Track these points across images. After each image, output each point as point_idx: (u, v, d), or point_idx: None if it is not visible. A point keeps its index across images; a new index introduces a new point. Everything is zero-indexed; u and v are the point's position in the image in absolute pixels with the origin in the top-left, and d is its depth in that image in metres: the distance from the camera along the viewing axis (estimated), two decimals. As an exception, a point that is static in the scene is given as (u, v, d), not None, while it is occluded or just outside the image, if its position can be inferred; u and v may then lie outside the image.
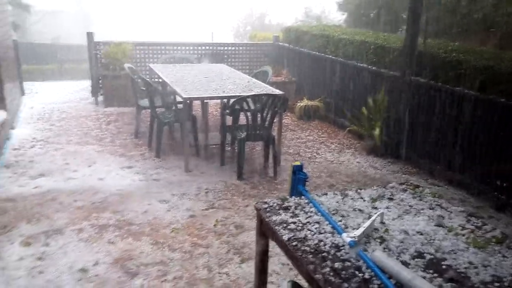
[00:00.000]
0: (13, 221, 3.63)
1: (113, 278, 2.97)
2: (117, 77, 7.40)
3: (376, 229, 1.88)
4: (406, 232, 1.87)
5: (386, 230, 1.87)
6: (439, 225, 1.95)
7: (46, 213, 3.79)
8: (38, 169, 4.74)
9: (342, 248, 1.74)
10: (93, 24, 20.18)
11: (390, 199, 2.21)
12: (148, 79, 5.67)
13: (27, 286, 2.84)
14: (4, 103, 5.80)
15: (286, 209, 2.07)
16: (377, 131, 5.51)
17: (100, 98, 7.82)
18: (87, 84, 8.74)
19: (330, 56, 7.01)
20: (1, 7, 6.53)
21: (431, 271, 1.61)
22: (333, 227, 1.87)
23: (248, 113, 4.65)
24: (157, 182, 4.56)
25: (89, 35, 7.64)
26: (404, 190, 2.33)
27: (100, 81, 7.76)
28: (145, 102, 5.73)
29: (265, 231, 2.07)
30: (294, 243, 1.78)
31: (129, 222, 3.71)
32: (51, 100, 7.87)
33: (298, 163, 2.21)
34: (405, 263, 1.64)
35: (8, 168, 4.73)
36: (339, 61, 6.76)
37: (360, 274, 1.58)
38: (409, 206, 2.14)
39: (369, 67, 6.03)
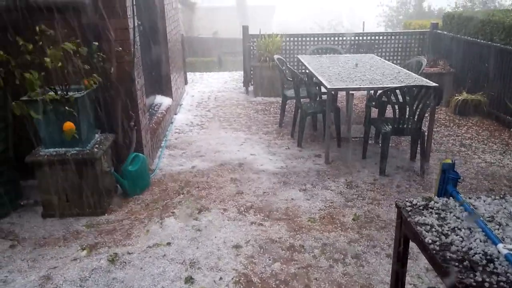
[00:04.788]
0: (170, 196, 4.12)
1: (258, 258, 3.14)
2: (266, 68, 7.73)
3: (543, 245, 1.60)
4: None
5: (557, 248, 1.58)
6: None
7: (198, 191, 4.20)
8: (194, 151, 5.27)
9: (496, 260, 1.53)
10: (248, 18, 21.40)
11: None
12: (295, 70, 5.79)
13: (194, 255, 3.17)
14: (170, 91, 6.60)
15: (431, 210, 1.91)
16: (554, 132, 4.68)
17: (251, 88, 8.29)
18: (240, 75, 9.37)
19: (499, 45, 6.16)
20: (174, 5, 7.36)
21: None
22: (487, 236, 1.65)
23: (396, 106, 4.40)
24: (297, 170, 4.66)
25: (245, 28, 8.13)
26: None
27: (252, 72, 8.22)
28: (291, 92, 5.88)
29: (405, 232, 1.94)
30: (437, 248, 1.63)
31: (269, 207, 3.87)
32: (209, 89, 8.64)
33: (448, 160, 2.01)
34: None
35: (170, 149, 5.37)
36: (510, 51, 5.90)
37: (517, 293, 1.37)
38: None
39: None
